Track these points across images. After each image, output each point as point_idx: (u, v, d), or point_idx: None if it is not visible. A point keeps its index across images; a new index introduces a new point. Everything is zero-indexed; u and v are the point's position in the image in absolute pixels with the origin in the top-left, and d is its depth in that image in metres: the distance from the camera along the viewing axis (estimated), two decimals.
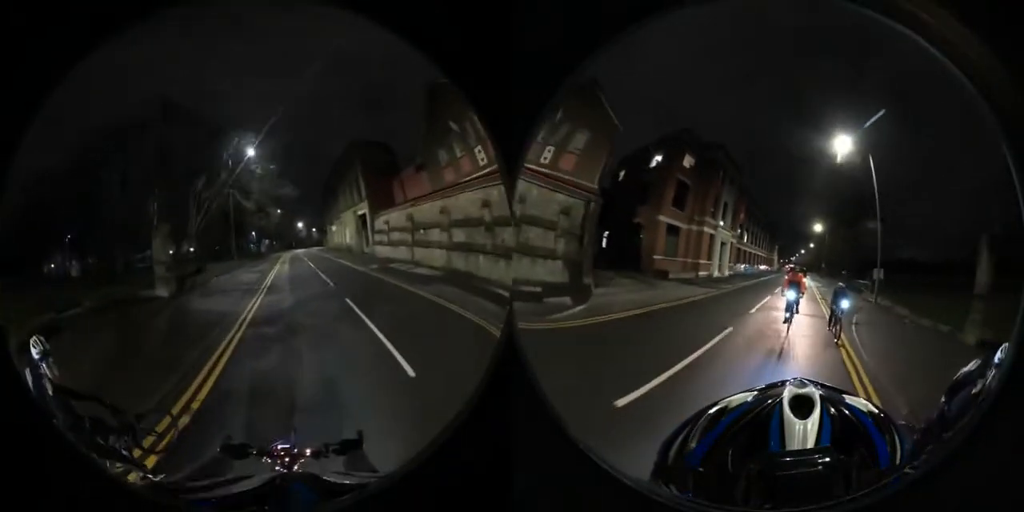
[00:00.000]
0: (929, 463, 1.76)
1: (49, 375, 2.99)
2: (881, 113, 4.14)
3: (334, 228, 7.66)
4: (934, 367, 3.56)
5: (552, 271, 4.80)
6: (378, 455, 2.49)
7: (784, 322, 4.84)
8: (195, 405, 4.40)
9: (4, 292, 2.78)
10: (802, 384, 1.79)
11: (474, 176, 5.17)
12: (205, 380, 4.82)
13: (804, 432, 1.63)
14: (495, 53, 1.96)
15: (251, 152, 5.72)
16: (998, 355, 2.06)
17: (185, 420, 4.09)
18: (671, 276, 5.52)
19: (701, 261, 5.70)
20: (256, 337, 5.59)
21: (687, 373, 3.92)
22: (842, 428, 1.64)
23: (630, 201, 5.42)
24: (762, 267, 6.12)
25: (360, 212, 7.20)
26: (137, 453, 3.05)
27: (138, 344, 4.85)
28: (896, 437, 1.70)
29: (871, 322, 4.69)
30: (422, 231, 6.37)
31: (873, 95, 4.17)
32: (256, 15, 3.93)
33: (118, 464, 2.88)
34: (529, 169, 4.53)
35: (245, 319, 5.88)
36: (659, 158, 5.49)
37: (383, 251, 6.95)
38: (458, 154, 5.41)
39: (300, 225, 7.53)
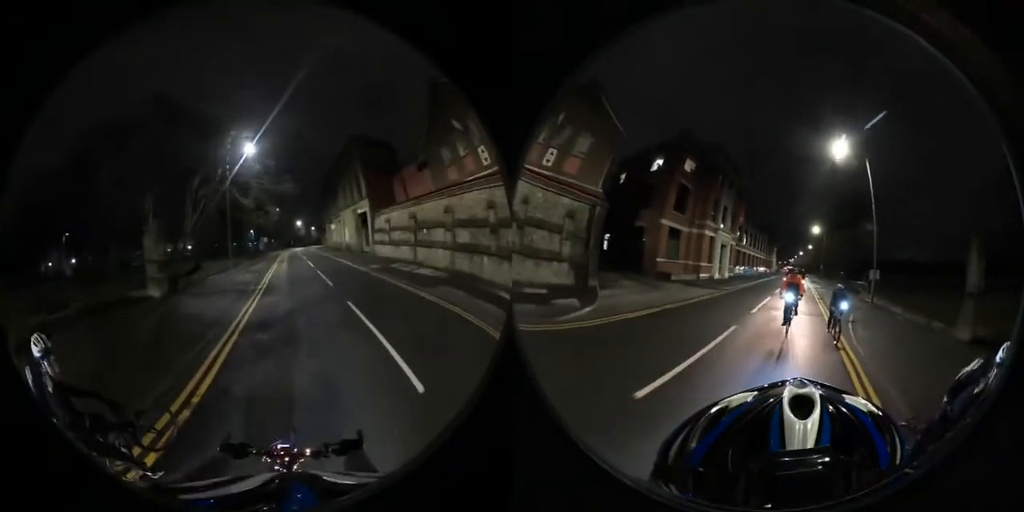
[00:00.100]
0: (929, 463, 1.76)
1: (50, 373, 3.00)
2: (882, 114, 4.13)
3: (333, 227, 7.55)
4: (926, 361, 3.87)
5: (557, 273, 4.86)
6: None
7: (783, 323, 4.83)
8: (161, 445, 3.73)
9: (3, 292, 2.79)
10: (802, 384, 1.79)
11: (478, 176, 5.14)
12: (187, 403, 4.37)
13: (804, 432, 1.63)
14: (495, 53, 1.96)
15: (249, 150, 5.62)
16: (999, 355, 2.06)
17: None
18: (673, 278, 5.61)
19: (702, 263, 5.78)
20: (250, 346, 5.27)
21: (696, 367, 4.13)
22: (842, 428, 1.64)
23: (632, 204, 5.48)
24: (761, 269, 6.17)
25: (360, 210, 7.10)
26: (136, 451, 3.06)
27: (126, 349, 4.57)
28: (896, 437, 1.70)
29: (867, 320, 4.74)
30: (425, 231, 6.24)
31: (873, 95, 4.17)
32: (256, 15, 3.93)
33: (118, 462, 2.88)
34: (533, 171, 4.60)
35: (238, 325, 5.59)
36: (660, 162, 5.57)
37: (384, 250, 6.83)
38: (461, 153, 5.38)
39: (299, 223, 7.43)
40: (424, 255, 6.24)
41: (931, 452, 1.85)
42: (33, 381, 2.81)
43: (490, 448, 1.96)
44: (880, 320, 4.78)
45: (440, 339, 4.91)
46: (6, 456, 1.79)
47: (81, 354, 3.48)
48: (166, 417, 3.80)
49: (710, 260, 5.83)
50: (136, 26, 1.91)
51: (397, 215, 6.71)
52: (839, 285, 4.83)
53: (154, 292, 5.41)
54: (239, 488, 2.06)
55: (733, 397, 1.86)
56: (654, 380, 3.85)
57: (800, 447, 1.62)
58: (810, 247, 5.72)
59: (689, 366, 4.14)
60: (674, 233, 5.66)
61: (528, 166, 4.48)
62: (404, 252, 6.57)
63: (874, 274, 4.84)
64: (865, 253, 4.87)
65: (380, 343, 5.12)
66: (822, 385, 1.82)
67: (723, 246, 5.90)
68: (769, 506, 1.61)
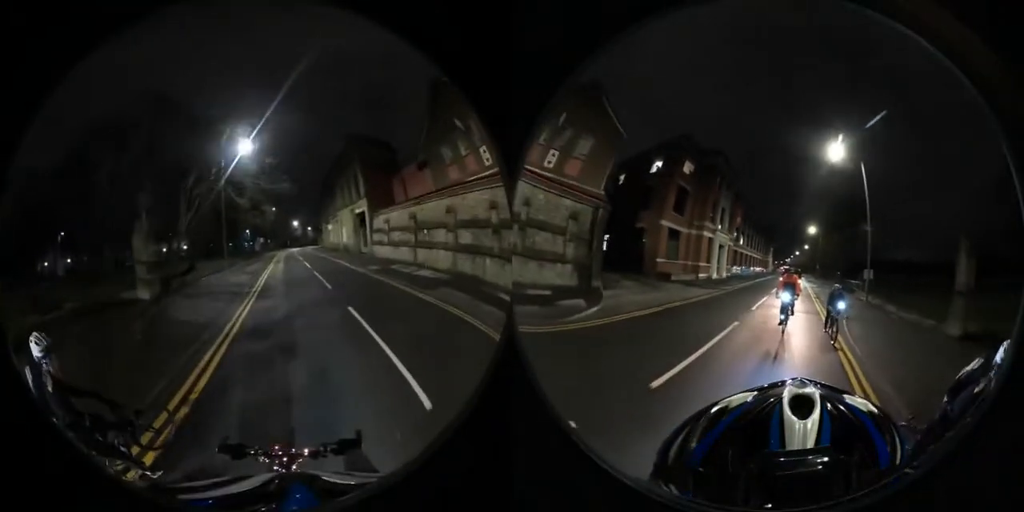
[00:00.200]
0: (929, 463, 1.76)
1: (51, 371, 3.00)
2: (882, 114, 4.14)
3: (330, 227, 7.39)
4: (917, 355, 4.11)
5: (561, 274, 4.89)
6: None
7: (779, 324, 4.85)
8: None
9: (2, 292, 2.79)
10: (802, 384, 1.80)
11: (481, 176, 5.07)
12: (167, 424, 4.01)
13: (804, 432, 1.63)
14: (495, 53, 1.96)
15: (245, 148, 5.42)
16: (999, 354, 2.06)
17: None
18: (673, 278, 5.67)
19: (701, 263, 5.84)
20: (241, 358, 4.94)
21: (705, 359, 4.38)
22: (842, 428, 1.64)
23: (631, 206, 5.50)
24: (757, 269, 6.23)
25: (358, 210, 6.95)
26: (136, 450, 3.06)
27: (114, 353, 4.31)
28: (896, 437, 1.70)
29: (862, 318, 4.76)
30: (426, 231, 6.11)
31: (873, 95, 4.17)
32: (256, 15, 3.92)
33: (118, 462, 2.88)
34: (534, 173, 4.62)
35: (229, 332, 5.27)
36: (660, 164, 5.62)
37: (383, 251, 6.68)
38: (463, 152, 5.30)
39: (295, 224, 7.28)
40: (425, 256, 6.11)
41: (931, 452, 1.85)
42: (33, 381, 2.81)
43: (490, 448, 1.96)
44: (874, 318, 4.81)
45: (446, 346, 4.71)
46: (6, 456, 1.79)
47: (69, 358, 3.40)
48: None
49: (708, 260, 5.88)
50: (136, 26, 1.91)
51: (397, 215, 6.58)
52: (836, 285, 4.84)
53: (144, 294, 5.13)
54: (239, 488, 2.07)
55: (733, 397, 1.86)
56: (668, 371, 4.12)
57: (800, 447, 1.62)
58: (806, 247, 5.76)
59: (697, 358, 4.41)
60: (674, 234, 5.71)
61: (530, 167, 4.52)
62: (404, 253, 6.43)
63: (868, 274, 4.89)
64: (861, 253, 4.91)
65: (384, 353, 4.89)
66: (822, 385, 1.83)
67: (721, 247, 5.96)
68: (769, 506, 1.61)
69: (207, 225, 5.94)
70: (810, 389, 1.73)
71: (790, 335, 4.80)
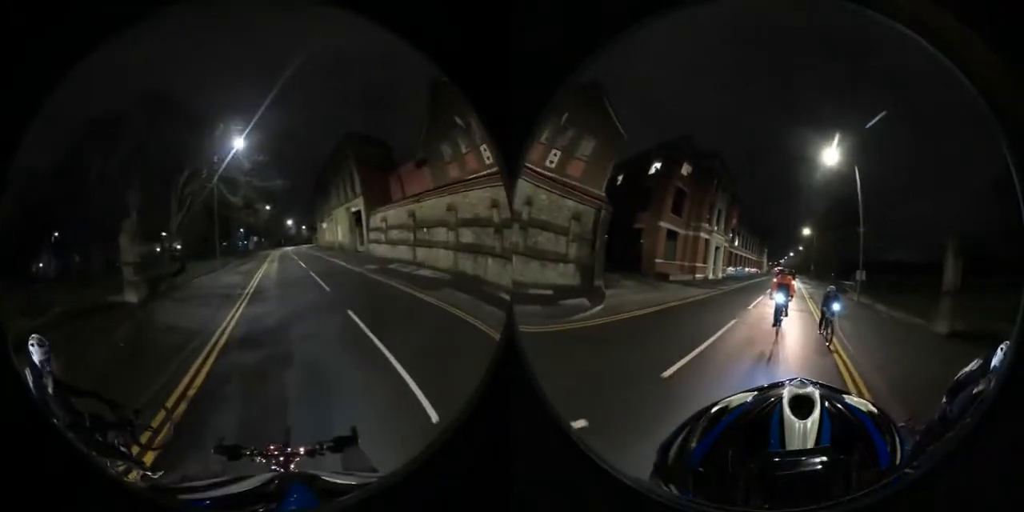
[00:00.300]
0: (929, 463, 1.76)
1: (55, 371, 3.00)
2: (882, 114, 4.14)
3: (325, 225, 7.21)
4: (906, 351, 4.30)
5: (563, 274, 4.92)
6: None
7: (773, 325, 4.86)
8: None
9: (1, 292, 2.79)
10: (802, 384, 1.79)
11: (482, 174, 5.01)
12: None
13: (804, 432, 1.63)
14: (495, 53, 1.96)
15: (239, 146, 5.27)
16: (998, 355, 2.06)
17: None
18: (671, 278, 5.72)
19: (698, 264, 5.90)
20: (230, 372, 4.57)
21: (708, 351, 4.56)
22: (842, 428, 1.64)
23: (630, 207, 5.54)
24: (752, 270, 6.29)
25: (354, 209, 6.78)
26: (135, 450, 3.06)
27: (92, 366, 3.91)
28: (896, 437, 1.70)
29: (853, 316, 4.80)
30: (425, 230, 5.96)
31: (873, 95, 4.17)
32: (255, 15, 3.91)
33: (119, 462, 2.88)
34: (536, 172, 4.63)
35: (217, 342, 4.88)
36: (658, 166, 5.66)
37: (380, 250, 6.52)
38: (463, 150, 5.24)
39: (289, 222, 7.07)
40: (424, 255, 5.98)
41: (931, 452, 1.85)
42: (33, 382, 2.82)
43: (490, 448, 1.96)
44: (865, 316, 4.86)
45: (451, 353, 4.49)
46: (6, 456, 1.79)
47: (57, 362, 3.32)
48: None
49: (705, 261, 5.96)
50: (135, 26, 1.90)
51: (394, 213, 6.43)
52: (831, 287, 4.86)
53: (131, 297, 4.83)
54: (239, 488, 2.06)
55: (733, 397, 1.86)
56: (676, 362, 4.30)
57: (800, 447, 1.62)
58: (801, 248, 5.81)
59: (703, 350, 4.58)
60: (671, 235, 5.77)
61: (532, 167, 4.54)
62: (402, 252, 6.29)
63: (860, 275, 4.95)
64: (855, 254, 4.96)
65: (390, 364, 4.59)
66: (822, 385, 1.82)
67: (717, 248, 6.03)
68: (769, 506, 1.61)
69: (199, 224, 5.74)
70: (810, 389, 1.73)
71: (784, 336, 4.82)
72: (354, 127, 6.03)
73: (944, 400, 2.48)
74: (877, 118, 4.17)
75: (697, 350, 4.47)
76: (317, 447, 2.36)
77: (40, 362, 3.00)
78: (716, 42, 4.19)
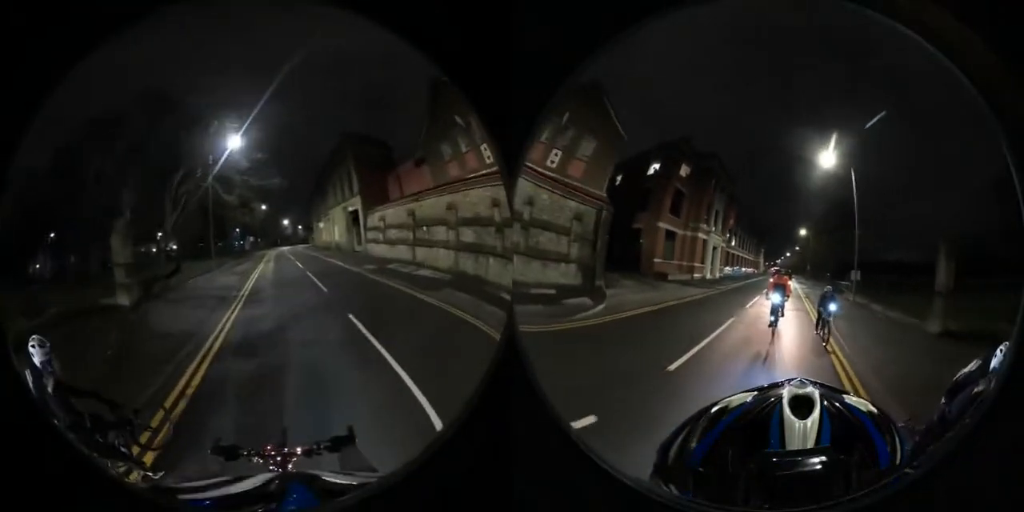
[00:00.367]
0: (929, 463, 1.76)
1: (57, 371, 3.00)
2: (882, 114, 4.15)
3: (322, 225, 7.10)
4: (899, 349, 4.42)
5: (565, 274, 4.96)
6: None
7: (769, 326, 4.87)
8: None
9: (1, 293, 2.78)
10: (802, 384, 1.80)
11: (482, 173, 4.97)
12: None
13: (804, 432, 1.63)
14: (495, 53, 1.96)
15: (235, 144, 5.14)
16: (997, 356, 2.06)
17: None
18: (670, 278, 5.79)
19: (695, 264, 5.96)
20: (225, 380, 4.33)
21: (711, 344, 4.71)
22: (842, 428, 1.65)
23: (629, 207, 5.58)
24: (748, 270, 6.35)
25: (351, 208, 6.68)
26: (136, 450, 3.07)
27: (80, 372, 3.59)
28: (896, 437, 1.70)
29: (848, 316, 4.84)
30: (425, 229, 5.88)
31: (873, 96, 4.17)
32: (255, 14, 3.91)
33: (119, 463, 2.89)
34: (537, 172, 4.66)
35: (211, 348, 4.64)
36: (656, 166, 5.71)
37: (378, 250, 6.41)
38: (463, 149, 5.20)
39: (286, 222, 6.94)
40: (424, 255, 5.89)
41: (931, 452, 1.85)
42: (33, 382, 2.82)
43: (490, 448, 1.96)
44: (860, 316, 4.92)
45: (455, 356, 4.31)
46: (6, 456, 1.78)
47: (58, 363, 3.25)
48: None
49: (703, 261, 6.02)
50: (135, 26, 1.90)
51: (393, 212, 6.33)
52: (828, 287, 4.88)
53: (123, 299, 4.63)
54: (239, 488, 2.06)
55: (733, 397, 1.86)
56: (684, 354, 4.45)
57: (800, 447, 1.62)
58: (797, 248, 5.86)
59: (704, 345, 4.70)
60: (670, 235, 5.84)
61: (533, 167, 4.57)
62: (401, 252, 6.19)
63: (855, 275, 5.00)
64: (851, 255, 5.01)
65: (397, 375, 4.37)
66: (822, 385, 1.83)
67: (714, 248, 6.10)
68: (769, 506, 1.61)
69: (195, 224, 5.63)
70: (810, 389, 1.73)
71: (780, 336, 4.84)
72: (352, 126, 5.97)
73: (943, 400, 2.49)
74: (876, 118, 4.18)
75: (698, 346, 4.57)
76: (314, 447, 2.36)
77: (41, 363, 3.00)
78: (716, 42, 4.19)
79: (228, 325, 5.04)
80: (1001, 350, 1.99)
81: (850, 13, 2.01)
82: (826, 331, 4.71)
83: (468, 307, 4.83)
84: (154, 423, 3.42)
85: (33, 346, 3.02)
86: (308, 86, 4.70)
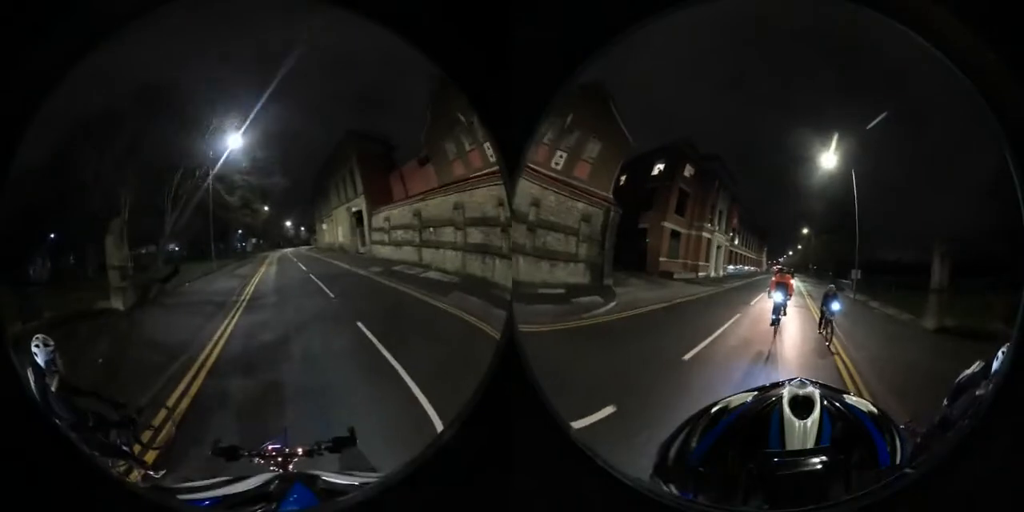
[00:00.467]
0: (929, 463, 1.76)
1: (60, 370, 3.01)
2: (884, 115, 4.16)
3: (324, 226, 7.00)
4: (897, 344, 4.57)
5: (574, 273, 5.05)
6: None
7: (771, 324, 4.88)
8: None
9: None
10: (802, 384, 1.79)
11: (486, 172, 4.94)
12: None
13: (804, 432, 1.63)
14: (495, 53, 1.96)
15: (236, 144, 5.07)
16: (998, 356, 2.06)
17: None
18: (675, 277, 5.90)
19: (700, 263, 6.06)
20: (219, 404, 3.91)
21: (717, 338, 4.85)
22: (842, 428, 1.64)
23: (634, 207, 5.65)
24: (751, 268, 6.43)
25: (355, 209, 6.56)
26: (137, 449, 3.08)
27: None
28: (896, 437, 1.70)
29: (848, 312, 4.92)
30: (431, 230, 5.74)
31: (872, 96, 4.17)
32: (255, 13, 3.91)
33: (121, 462, 2.89)
34: (542, 173, 4.73)
35: (205, 363, 4.28)
36: (661, 167, 5.81)
37: (383, 251, 6.29)
38: (467, 147, 5.12)
39: (288, 223, 6.87)
40: (431, 256, 5.75)
41: (931, 452, 1.85)
42: (35, 382, 2.83)
43: (490, 448, 1.96)
44: (859, 313, 5.01)
45: (453, 351, 4.17)
46: (6, 456, 1.79)
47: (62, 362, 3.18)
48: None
49: (707, 260, 6.13)
50: (135, 24, 1.91)
51: (398, 213, 6.20)
52: (831, 286, 4.90)
53: (116, 304, 4.41)
54: (239, 488, 2.07)
55: (733, 397, 1.86)
56: (696, 346, 4.63)
57: (800, 447, 1.62)
58: (799, 247, 5.92)
59: (714, 338, 4.86)
60: (675, 235, 5.94)
61: (537, 168, 4.65)
62: (408, 253, 6.04)
63: (856, 274, 5.09)
64: (852, 253, 5.06)
65: (416, 399, 4.01)
66: (822, 385, 1.82)
67: (718, 247, 6.20)
68: (769, 506, 1.61)
69: (195, 225, 5.45)
70: (810, 389, 1.73)
71: (782, 335, 4.92)
72: (351, 124, 5.92)
73: (946, 403, 2.49)
74: (879, 119, 4.19)
75: (709, 339, 4.75)
76: (315, 447, 2.36)
77: (45, 362, 3.01)
78: (716, 42, 4.21)
79: (226, 335, 4.76)
80: (1003, 351, 1.98)
81: (850, 13, 2.01)
82: (829, 330, 4.71)
83: (479, 312, 4.65)
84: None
85: (37, 345, 3.03)
86: (308, 84, 4.68)
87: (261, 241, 6.64)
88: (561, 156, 4.93)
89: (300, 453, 2.32)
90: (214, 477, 2.22)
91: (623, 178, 5.42)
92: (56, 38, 1.81)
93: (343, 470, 2.38)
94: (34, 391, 2.43)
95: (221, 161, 5.16)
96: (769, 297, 5.06)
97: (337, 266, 6.41)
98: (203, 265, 5.62)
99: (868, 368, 4.29)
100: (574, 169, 5.03)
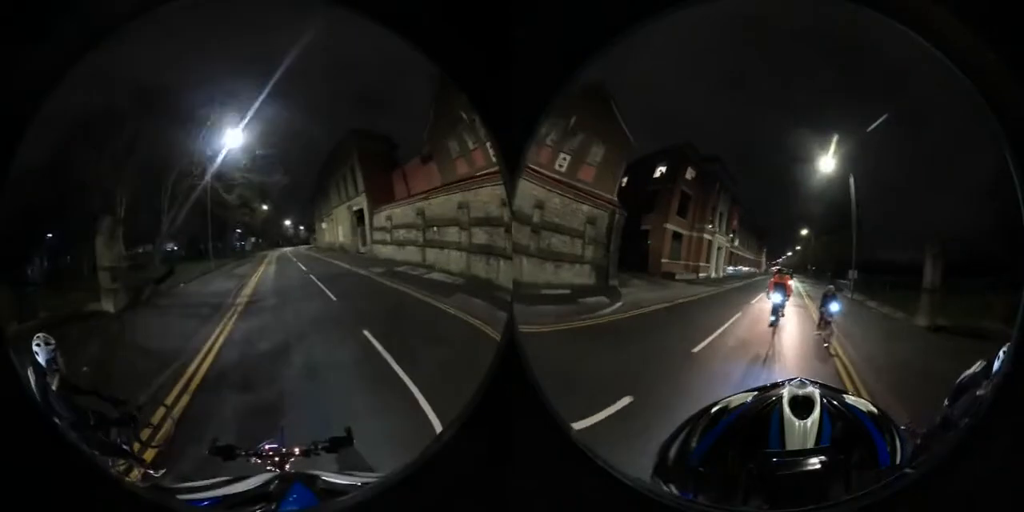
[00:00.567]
0: (929, 463, 1.76)
1: (62, 369, 3.01)
2: (884, 117, 4.17)
3: (324, 225, 6.85)
4: (891, 342, 4.66)
5: (579, 274, 5.14)
6: None
7: (770, 326, 4.88)
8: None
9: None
10: (802, 384, 1.79)
11: (490, 170, 4.83)
12: None
13: (804, 432, 1.63)
14: (495, 53, 1.96)
15: (234, 142, 4.96)
16: (999, 357, 2.06)
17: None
18: (677, 277, 5.99)
19: (701, 263, 6.15)
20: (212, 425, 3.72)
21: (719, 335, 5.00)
22: (842, 428, 1.64)
23: (636, 209, 5.72)
24: (750, 269, 6.54)
25: (356, 207, 6.41)
26: (136, 447, 3.08)
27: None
28: (896, 437, 1.70)
29: (845, 311, 4.97)
30: (435, 229, 5.61)
31: (873, 96, 4.17)
32: (255, 12, 3.91)
33: (120, 461, 2.90)
34: (546, 175, 4.79)
35: (194, 376, 4.06)
36: (663, 169, 5.89)
37: (384, 251, 6.16)
38: (471, 146, 5.05)
39: (287, 222, 6.73)
40: (435, 257, 5.61)
41: (931, 452, 1.85)
42: (36, 380, 2.83)
43: (490, 448, 1.96)
44: (856, 312, 5.07)
45: (454, 352, 4.06)
46: (6, 456, 1.79)
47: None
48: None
49: (708, 261, 6.22)
50: (134, 24, 1.91)
51: (401, 212, 6.06)
52: (830, 286, 4.91)
53: (107, 306, 4.22)
54: (239, 488, 2.07)
55: (733, 397, 1.86)
56: (704, 340, 4.83)
57: (800, 447, 1.62)
58: (798, 248, 5.97)
59: (717, 334, 5.01)
60: (677, 236, 6.03)
61: (542, 170, 4.71)
62: (410, 253, 5.88)
63: (853, 274, 5.15)
64: (850, 254, 5.12)
65: (428, 419, 3.81)
66: (822, 385, 1.82)
67: (719, 248, 6.29)
68: (769, 506, 1.61)
69: (192, 224, 5.32)
70: (810, 389, 1.73)
71: (781, 335, 4.96)
72: (356, 123, 5.88)
73: (947, 403, 2.49)
74: (879, 121, 4.19)
75: (715, 333, 4.92)
76: (312, 447, 2.35)
77: (46, 361, 3.01)
78: (716, 42, 4.21)
79: (220, 342, 4.57)
80: (1004, 351, 1.98)
81: (850, 13, 2.01)
82: (828, 333, 4.71)
83: (483, 314, 4.54)
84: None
85: (38, 344, 3.04)
86: (308, 82, 4.65)
87: (260, 240, 6.56)
88: (565, 158, 4.97)
89: (297, 453, 2.31)
90: (214, 477, 2.22)
91: (625, 180, 5.47)
92: (56, 38, 1.80)
93: (343, 470, 2.38)
94: (34, 390, 2.44)
95: (219, 159, 5.06)
96: (768, 298, 5.07)
97: (338, 266, 6.32)
98: (201, 264, 5.52)
99: (866, 367, 4.35)
100: (578, 171, 5.08)
